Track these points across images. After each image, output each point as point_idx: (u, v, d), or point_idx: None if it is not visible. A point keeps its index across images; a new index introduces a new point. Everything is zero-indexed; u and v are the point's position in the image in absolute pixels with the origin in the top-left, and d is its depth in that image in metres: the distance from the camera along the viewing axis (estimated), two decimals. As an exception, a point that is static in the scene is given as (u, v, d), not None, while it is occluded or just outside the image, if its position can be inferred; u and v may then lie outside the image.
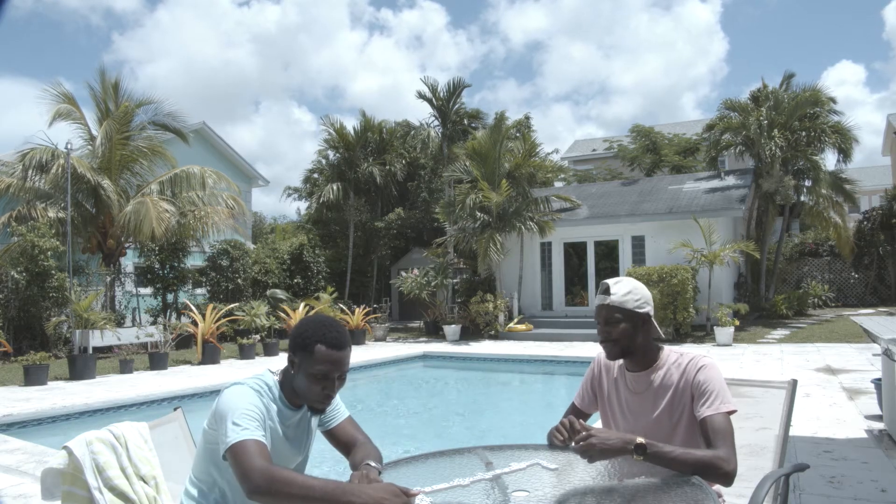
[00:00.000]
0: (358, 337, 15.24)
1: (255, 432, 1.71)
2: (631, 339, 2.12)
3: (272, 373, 1.99)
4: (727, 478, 1.88)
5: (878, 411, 5.73)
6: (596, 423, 2.33)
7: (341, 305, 16.21)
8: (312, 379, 1.87)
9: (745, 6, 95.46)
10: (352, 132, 21.31)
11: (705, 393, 2.02)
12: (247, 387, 1.87)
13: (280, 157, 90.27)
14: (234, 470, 1.67)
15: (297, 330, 1.92)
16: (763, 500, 1.87)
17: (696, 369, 2.08)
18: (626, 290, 2.12)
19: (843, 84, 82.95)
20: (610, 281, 2.17)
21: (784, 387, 2.54)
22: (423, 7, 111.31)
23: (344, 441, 2.08)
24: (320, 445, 2.19)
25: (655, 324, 2.18)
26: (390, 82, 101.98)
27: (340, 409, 2.15)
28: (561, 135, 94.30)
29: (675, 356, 2.16)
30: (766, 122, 15.87)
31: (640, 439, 1.86)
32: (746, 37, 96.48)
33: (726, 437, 1.94)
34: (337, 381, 1.90)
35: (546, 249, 17.33)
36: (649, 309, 2.14)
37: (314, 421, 2.08)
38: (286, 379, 1.96)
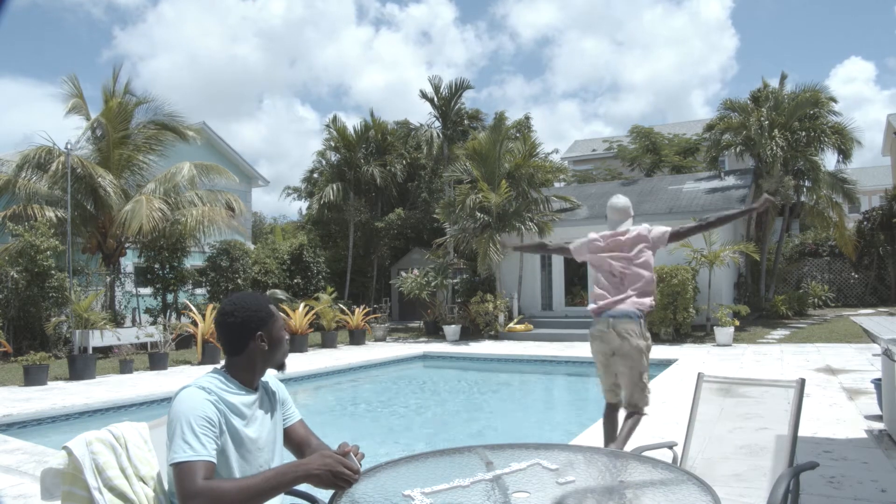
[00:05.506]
0: (358, 337, 15.24)
1: (203, 450, 1.72)
2: None
3: (218, 368, 2.01)
4: None
5: (878, 411, 5.74)
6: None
7: (341, 305, 16.19)
8: (281, 337, 2.01)
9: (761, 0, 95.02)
10: (353, 133, 21.31)
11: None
12: (196, 388, 1.86)
13: (283, 155, 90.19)
14: (176, 487, 1.69)
15: (247, 312, 1.96)
16: (780, 499, 1.87)
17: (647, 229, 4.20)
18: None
19: (853, 81, 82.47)
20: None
21: (792, 386, 2.55)
22: (429, 2, 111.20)
23: (297, 441, 2.11)
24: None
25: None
26: (396, 79, 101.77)
27: (294, 408, 2.18)
28: (568, 132, 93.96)
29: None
30: (766, 122, 15.87)
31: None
32: (756, 33, 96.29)
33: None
34: None
35: (546, 249, 17.30)
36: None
37: (278, 415, 2.08)
38: (235, 366, 1.97)
